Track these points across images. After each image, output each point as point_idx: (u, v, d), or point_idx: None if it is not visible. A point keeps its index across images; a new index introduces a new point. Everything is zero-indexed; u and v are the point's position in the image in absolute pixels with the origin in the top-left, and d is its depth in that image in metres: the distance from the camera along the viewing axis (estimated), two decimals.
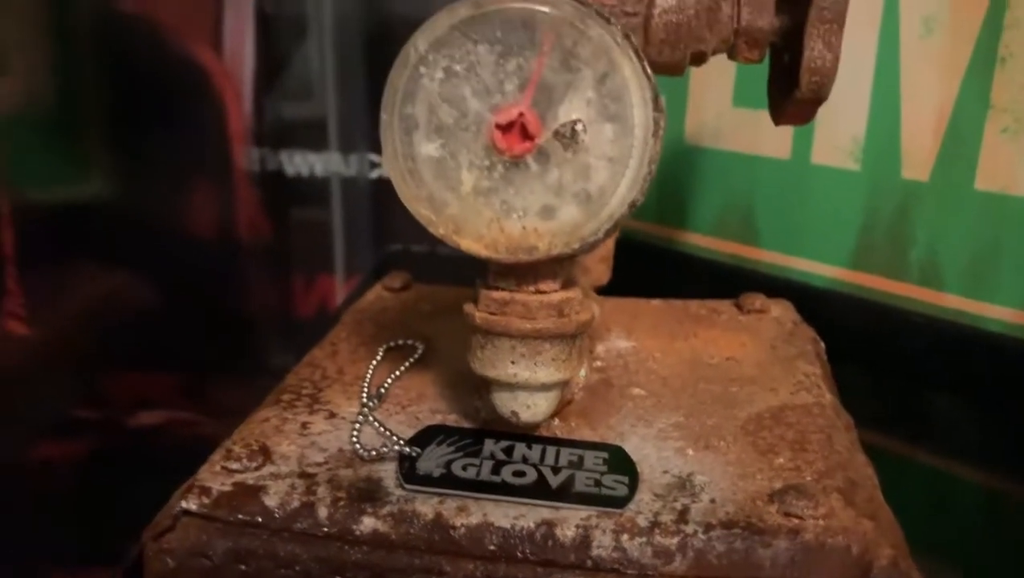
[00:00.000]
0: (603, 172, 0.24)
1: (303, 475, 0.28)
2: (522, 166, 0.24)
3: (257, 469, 0.28)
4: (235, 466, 0.28)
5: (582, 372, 0.31)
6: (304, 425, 0.31)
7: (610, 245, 0.37)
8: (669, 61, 0.34)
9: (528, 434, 0.29)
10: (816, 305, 0.45)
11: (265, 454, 0.28)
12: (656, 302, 0.43)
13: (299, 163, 0.72)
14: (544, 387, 0.27)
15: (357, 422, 0.30)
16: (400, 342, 0.37)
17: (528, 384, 0.27)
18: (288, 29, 0.69)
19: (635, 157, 0.24)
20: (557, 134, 0.24)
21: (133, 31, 0.61)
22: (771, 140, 0.46)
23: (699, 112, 0.49)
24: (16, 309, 0.55)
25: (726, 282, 0.49)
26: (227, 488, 0.27)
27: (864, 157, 0.43)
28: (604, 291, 0.43)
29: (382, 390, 0.33)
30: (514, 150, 0.24)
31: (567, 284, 0.27)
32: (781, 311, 0.42)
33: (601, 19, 0.23)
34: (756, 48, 0.34)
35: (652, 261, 0.53)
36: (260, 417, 0.31)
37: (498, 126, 0.24)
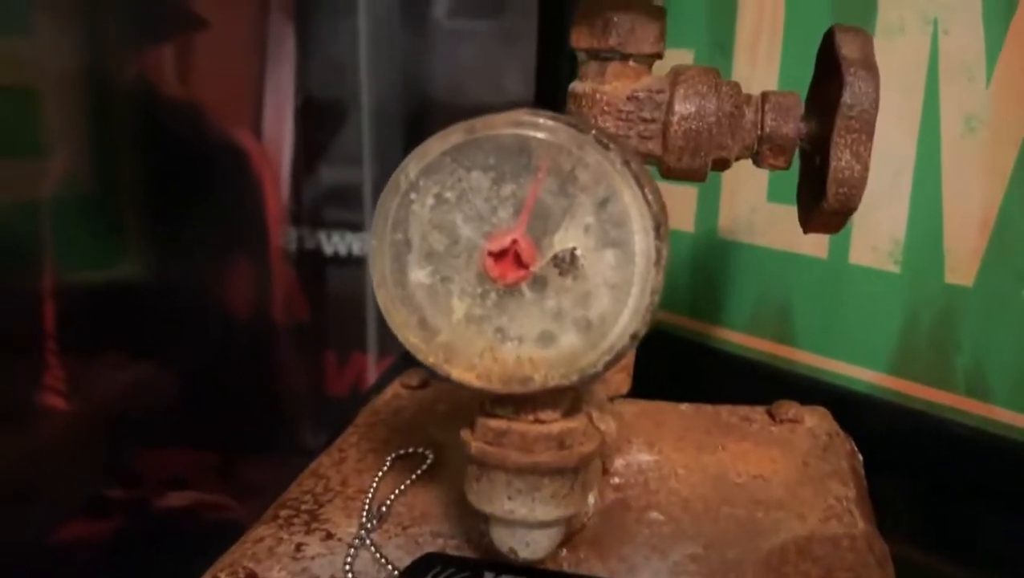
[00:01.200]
0: (604, 300, 0.23)
1: None
2: (516, 294, 0.23)
3: None
4: None
5: (591, 498, 0.29)
6: (299, 547, 0.29)
7: (630, 354, 0.35)
8: (689, 168, 0.33)
9: (531, 567, 0.28)
10: (855, 411, 0.43)
11: None
12: (684, 407, 0.41)
13: (337, 242, 0.72)
14: (543, 524, 0.25)
15: (353, 546, 0.29)
16: (409, 450, 0.35)
17: (526, 521, 0.25)
18: (327, 111, 0.69)
19: (637, 285, 0.22)
20: (555, 260, 0.22)
21: (175, 114, 0.62)
22: (807, 237, 0.44)
23: (733, 205, 0.48)
24: (56, 384, 0.55)
25: (761, 382, 0.47)
26: None
27: (904, 259, 0.41)
28: (634, 389, 0.42)
29: (383, 509, 0.31)
30: (507, 278, 0.22)
31: (571, 412, 0.26)
32: (817, 421, 0.40)
33: (599, 145, 0.22)
34: (782, 155, 0.32)
35: (686, 356, 0.51)
36: (255, 536, 0.30)
37: (490, 253, 0.22)
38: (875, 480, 0.41)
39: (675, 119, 0.32)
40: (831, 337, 0.44)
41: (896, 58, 0.40)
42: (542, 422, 0.25)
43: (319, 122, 0.69)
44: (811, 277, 0.45)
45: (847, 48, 0.30)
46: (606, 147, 0.22)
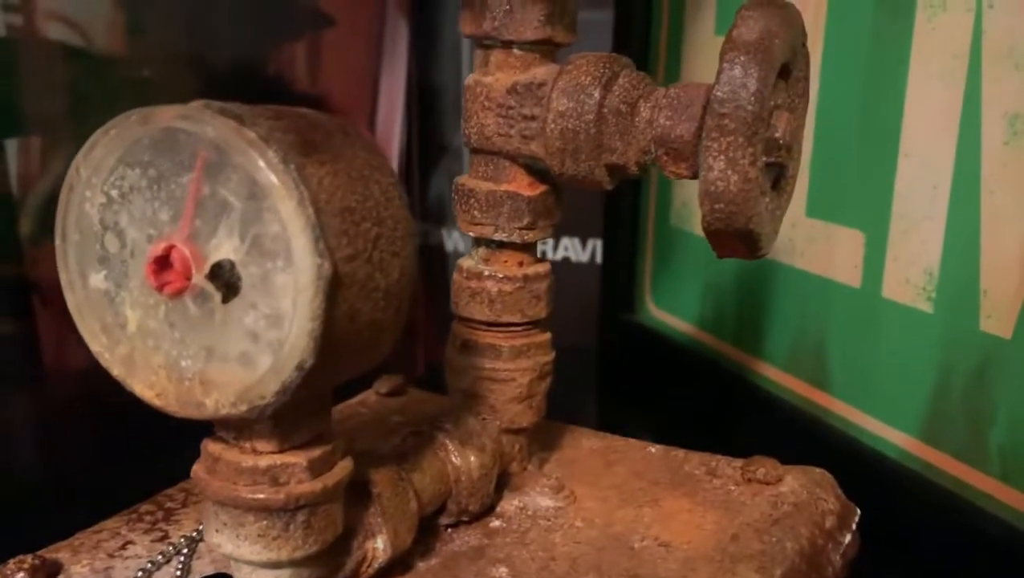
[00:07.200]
0: (265, 324, 0.20)
1: None
2: (180, 307, 0.20)
3: None
4: None
5: (379, 542, 0.25)
6: (124, 545, 0.29)
7: (524, 383, 0.31)
8: (575, 174, 0.28)
9: None
10: (879, 481, 0.35)
11: (37, 572, 0.27)
12: (654, 449, 0.36)
13: (458, 238, 0.72)
14: (263, 565, 0.23)
15: (162, 553, 0.28)
16: None
17: (234, 557, 0.23)
18: (436, 105, 0.69)
19: (300, 308, 0.19)
20: (213, 272, 0.20)
21: (301, 106, 0.64)
22: (842, 263, 0.36)
23: None
24: None
25: (794, 431, 0.40)
26: None
27: (938, 297, 0.32)
28: (663, 418, 0.37)
29: None
30: (167, 289, 0.20)
31: (307, 444, 0.23)
32: (799, 485, 0.33)
33: (258, 141, 0.19)
34: (681, 161, 0.27)
35: (726, 389, 0.44)
36: (99, 527, 0.30)
37: (153, 261, 0.20)
38: (889, 568, 0.33)
39: (551, 116, 0.27)
40: (863, 386, 0.36)
41: (936, 40, 0.32)
42: (258, 453, 0.22)
43: (432, 115, 0.69)
44: (845, 310, 0.37)
45: (743, 27, 0.24)
46: (264, 142, 0.19)
